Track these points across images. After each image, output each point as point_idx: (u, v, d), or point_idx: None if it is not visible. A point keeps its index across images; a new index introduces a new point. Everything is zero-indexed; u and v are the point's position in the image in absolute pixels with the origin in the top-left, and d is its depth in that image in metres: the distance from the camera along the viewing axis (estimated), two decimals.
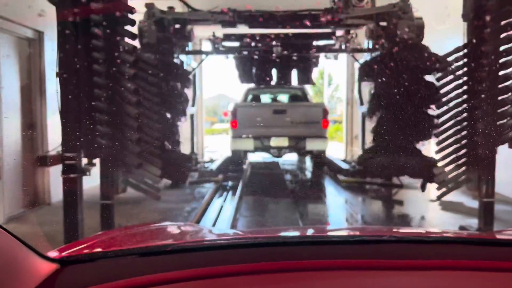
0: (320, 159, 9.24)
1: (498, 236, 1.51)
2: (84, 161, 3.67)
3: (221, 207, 6.35)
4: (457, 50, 4.69)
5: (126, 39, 3.90)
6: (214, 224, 5.49)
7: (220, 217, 5.84)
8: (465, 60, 4.70)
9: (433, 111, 5.75)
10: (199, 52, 9.68)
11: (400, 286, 0.97)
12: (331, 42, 9.54)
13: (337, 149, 14.34)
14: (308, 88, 10.97)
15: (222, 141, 19.29)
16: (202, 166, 9.22)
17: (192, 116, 10.24)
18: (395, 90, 6.08)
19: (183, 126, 10.16)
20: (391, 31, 7.01)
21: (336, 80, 35.21)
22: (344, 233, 1.71)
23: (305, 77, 11.06)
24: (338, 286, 0.96)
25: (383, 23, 7.63)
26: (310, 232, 1.71)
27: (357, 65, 10.46)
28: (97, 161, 4.28)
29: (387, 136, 6.41)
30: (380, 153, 6.58)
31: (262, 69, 10.52)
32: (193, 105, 10.12)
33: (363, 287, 0.95)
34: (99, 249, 1.28)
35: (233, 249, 1.11)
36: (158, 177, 4.71)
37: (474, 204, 5.05)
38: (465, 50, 4.69)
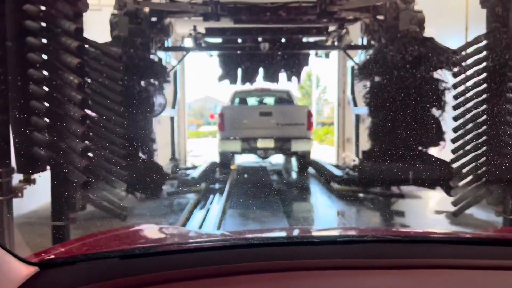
0: (310, 164, 9.35)
1: (483, 236, 1.49)
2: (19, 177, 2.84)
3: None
4: (476, 40, 4.00)
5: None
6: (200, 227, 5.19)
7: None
8: (485, 53, 4.01)
9: (444, 113, 5.05)
10: (179, 48, 8.86)
11: (384, 285, 0.95)
12: (323, 38, 8.83)
13: (328, 153, 13.70)
14: (294, 90, 11.22)
15: (208, 145, 18.54)
16: (183, 173, 8.39)
17: (172, 119, 9.42)
18: (399, 89, 5.38)
19: (163, 130, 9.45)
20: (391, 24, 6.33)
21: (323, 82, 34.81)
22: (328, 233, 1.65)
23: (293, 77, 10.37)
24: (323, 286, 0.95)
25: (380, 17, 6.97)
26: (295, 232, 1.70)
27: (350, 64, 9.84)
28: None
29: (388, 140, 5.69)
30: (380, 159, 5.87)
31: (248, 68, 9.80)
32: (173, 106, 9.32)
33: (347, 286, 0.94)
34: (80, 252, 1.23)
35: (216, 251, 1.09)
36: (123, 193, 3.90)
37: (490, 217, 4.40)
38: (485, 41, 3.99)
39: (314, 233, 1.62)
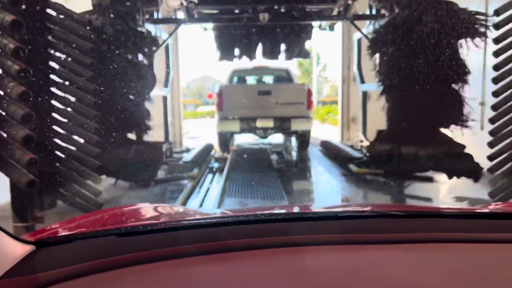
0: (308, 143, 9.16)
1: (480, 210, 1.41)
2: None
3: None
4: None
5: None
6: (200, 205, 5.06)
7: None
8: None
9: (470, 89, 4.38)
10: (170, 20, 8.07)
11: (385, 259, 0.95)
12: (328, 6, 8.04)
13: (331, 134, 13.06)
14: (293, 68, 10.72)
15: (206, 125, 17.87)
16: (175, 158, 7.75)
17: (165, 99, 8.71)
18: (420, 62, 4.68)
19: (157, 111, 8.76)
20: None
21: (324, 59, 33.87)
22: (328, 209, 1.52)
23: (296, 51, 9.62)
24: (324, 261, 0.94)
25: None
26: (295, 209, 1.65)
27: (356, 37, 9.09)
28: None
29: (406, 119, 5.03)
30: (396, 139, 5.24)
31: (246, 42, 9.05)
32: (165, 85, 8.60)
33: (348, 261, 0.94)
34: (76, 231, 1.19)
35: (215, 227, 1.08)
36: (97, 188, 3.27)
37: None
38: None
39: (314, 209, 1.58)
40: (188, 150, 8.77)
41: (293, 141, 10.10)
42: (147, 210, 1.57)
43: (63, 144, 3.37)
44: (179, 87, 11.19)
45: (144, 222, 1.30)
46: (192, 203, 5.30)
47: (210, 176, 6.83)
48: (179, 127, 11.12)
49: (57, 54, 3.28)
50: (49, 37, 3.24)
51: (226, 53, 9.59)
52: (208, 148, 8.88)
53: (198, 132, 14.78)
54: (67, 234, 1.13)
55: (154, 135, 8.07)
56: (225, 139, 8.91)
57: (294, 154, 9.94)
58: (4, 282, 0.81)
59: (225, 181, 5.84)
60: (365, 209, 1.30)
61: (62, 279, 0.84)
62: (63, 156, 3.34)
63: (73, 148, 3.36)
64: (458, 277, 0.87)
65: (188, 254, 0.93)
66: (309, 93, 8.46)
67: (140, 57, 5.55)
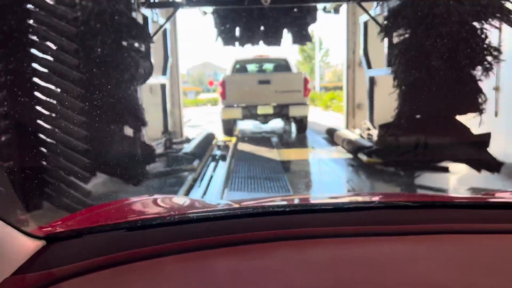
0: (305, 128, 9.98)
1: (491, 200, 1.39)
2: None
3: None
4: None
5: None
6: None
7: None
8: None
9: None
10: (167, 4, 7.68)
11: (393, 251, 0.94)
12: None
13: (335, 121, 12.73)
14: (295, 54, 11.30)
15: (207, 113, 17.53)
16: (175, 149, 7.44)
17: (163, 87, 8.36)
18: (436, 46, 4.33)
19: (156, 100, 8.42)
20: None
21: (326, 44, 33.27)
22: (334, 201, 1.51)
23: (299, 35, 9.25)
24: (330, 253, 0.93)
25: None
26: (300, 200, 1.64)
27: (362, 20, 8.69)
28: None
29: (420, 106, 4.70)
30: (410, 127, 4.93)
31: (247, 26, 8.66)
32: (163, 73, 8.25)
33: (357, 254, 0.92)
34: (86, 225, 1.18)
35: (222, 220, 1.08)
36: (85, 187, 2.97)
37: None
38: None
39: (320, 201, 1.54)
40: (188, 140, 8.46)
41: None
42: (155, 202, 1.54)
43: (48, 140, 3.06)
44: (178, 74, 10.82)
45: (152, 216, 1.28)
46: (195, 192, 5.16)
47: (212, 164, 6.64)
48: (179, 116, 10.79)
49: (38, 40, 2.94)
50: (29, 21, 2.91)
51: (226, 38, 9.22)
52: (209, 137, 8.57)
53: (198, 121, 14.47)
54: (76, 228, 1.12)
55: (156, 125, 7.79)
56: (229, 126, 9.70)
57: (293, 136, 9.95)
58: (18, 278, 0.81)
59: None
60: (374, 199, 1.31)
61: (75, 275, 0.84)
62: (48, 153, 3.03)
63: (59, 144, 3.05)
64: (468, 268, 0.85)
65: (198, 247, 0.93)
66: (306, 81, 9.25)
67: (135, 44, 5.20)
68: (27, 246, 0.90)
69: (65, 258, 0.89)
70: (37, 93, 3.03)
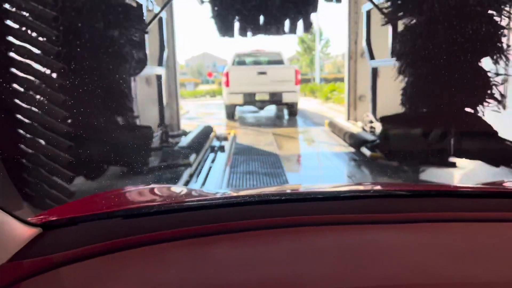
0: (296, 113, 11.83)
1: (486, 189, 1.38)
2: None
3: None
4: None
5: None
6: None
7: None
8: None
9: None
10: None
11: (389, 239, 0.93)
12: None
13: (335, 114, 12.49)
14: (294, 46, 12.22)
15: (206, 105, 17.24)
16: (171, 143, 7.20)
17: (159, 78, 8.09)
18: (446, 34, 4.08)
19: (153, 92, 8.16)
20: None
21: (326, 34, 32.85)
22: (332, 189, 1.48)
23: (300, 25, 8.99)
24: (327, 241, 0.93)
25: None
26: (298, 189, 1.67)
27: (365, 8, 8.40)
28: None
29: (427, 97, 4.46)
30: (417, 120, 4.70)
31: (245, 15, 8.38)
32: (159, 64, 7.97)
33: (352, 241, 0.93)
34: (82, 213, 1.15)
35: (219, 208, 1.08)
36: (68, 188, 2.74)
37: None
38: None
39: (317, 189, 1.47)
40: (185, 134, 8.21)
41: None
42: (152, 191, 1.53)
43: (28, 136, 2.81)
44: (175, 65, 10.54)
45: (149, 204, 1.27)
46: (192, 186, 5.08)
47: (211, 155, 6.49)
48: (176, 108, 10.52)
49: (15, 25, 2.68)
50: (4, 5, 2.65)
51: (224, 28, 8.94)
52: (207, 131, 8.33)
53: (198, 113, 14.21)
54: (73, 216, 1.10)
55: (149, 117, 7.53)
56: (231, 110, 11.49)
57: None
58: (14, 264, 0.82)
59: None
60: (370, 188, 1.31)
61: (71, 261, 0.85)
62: (27, 150, 2.79)
63: (40, 140, 2.81)
64: (467, 257, 0.85)
65: (194, 235, 0.93)
66: (297, 72, 11.19)
67: (127, 31, 4.92)
68: (23, 233, 0.90)
69: (61, 245, 0.88)
70: (15, 85, 2.78)
